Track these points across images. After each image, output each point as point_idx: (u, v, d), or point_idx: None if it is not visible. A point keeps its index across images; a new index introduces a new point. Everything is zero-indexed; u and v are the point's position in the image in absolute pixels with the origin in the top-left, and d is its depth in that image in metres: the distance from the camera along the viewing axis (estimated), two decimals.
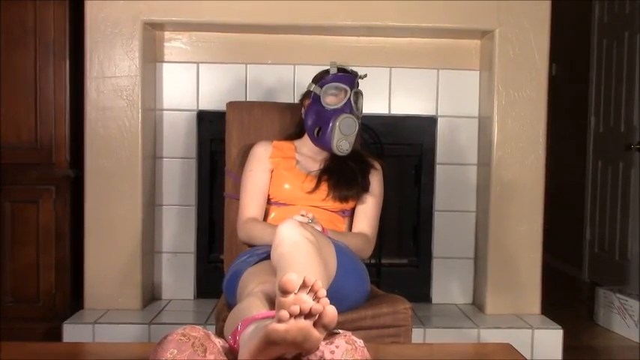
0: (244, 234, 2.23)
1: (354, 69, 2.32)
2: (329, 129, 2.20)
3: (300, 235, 1.65)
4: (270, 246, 1.76)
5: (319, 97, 2.24)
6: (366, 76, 2.32)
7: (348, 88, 2.22)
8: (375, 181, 2.30)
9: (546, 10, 2.96)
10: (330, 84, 2.23)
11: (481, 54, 3.13)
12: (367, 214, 2.28)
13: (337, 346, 1.27)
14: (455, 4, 2.91)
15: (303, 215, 2.03)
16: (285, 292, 1.24)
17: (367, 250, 2.25)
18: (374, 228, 2.29)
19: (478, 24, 2.96)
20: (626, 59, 4.10)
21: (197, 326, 1.31)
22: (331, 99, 2.23)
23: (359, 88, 2.30)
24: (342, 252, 1.90)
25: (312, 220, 2.03)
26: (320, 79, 2.28)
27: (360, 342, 1.30)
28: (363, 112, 2.27)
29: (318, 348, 1.26)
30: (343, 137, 2.20)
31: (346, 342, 1.27)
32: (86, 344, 2.37)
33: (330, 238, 1.97)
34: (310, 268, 1.57)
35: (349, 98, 2.21)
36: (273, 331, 1.19)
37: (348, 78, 2.25)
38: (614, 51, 4.25)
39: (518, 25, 2.95)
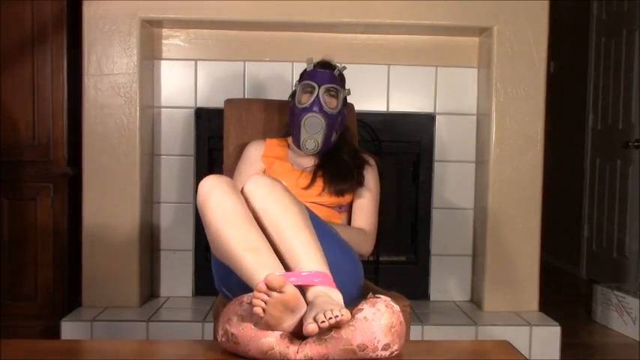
0: None
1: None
2: (298, 128, 2.22)
3: (270, 183, 1.74)
4: None
5: (296, 95, 2.26)
6: (344, 68, 2.31)
7: (316, 85, 2.21)
8: (370, 176, 2.29)
9: (544, 8, 2.96)
10: (303, 82, 2.25)
11: (479, 51, 3.13)
12: (364, 209, 2.27)
13: (378, 309, 1.43)
14: (453, 1, 2.91)
15: None
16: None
17: (366, 245, 2.22)
18: (372, 224, 2.27)
19: (476, 21, 2.95)
20: (624, 57, 4.10)
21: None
22: (304, 97, 2.24)
23: (341, 81, 2.29)
24: (328, 236, 1.86)
25: None
26: (301, 77, 2.31)
27: (396, 307, 1.46)
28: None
29: (301, 302, 1.45)
30: (309, 136, 2.21)
31: (386, 307, 1.44)
32: (84, 342, 2.37)
33: (325, 224, 1.96)
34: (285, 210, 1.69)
35: (317, 96, 2.20)
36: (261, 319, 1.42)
37: (321, 75, 2.24)
38: (613, 49, 4.25)
39: (517, 22, 2.95)
